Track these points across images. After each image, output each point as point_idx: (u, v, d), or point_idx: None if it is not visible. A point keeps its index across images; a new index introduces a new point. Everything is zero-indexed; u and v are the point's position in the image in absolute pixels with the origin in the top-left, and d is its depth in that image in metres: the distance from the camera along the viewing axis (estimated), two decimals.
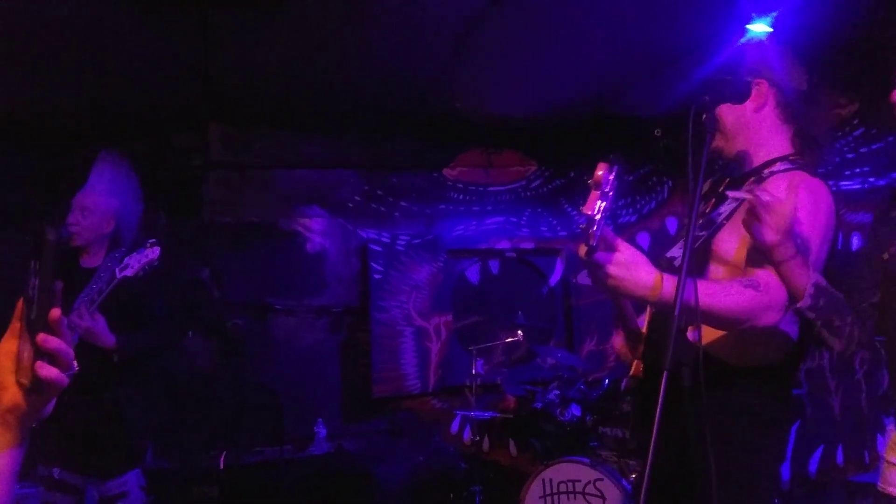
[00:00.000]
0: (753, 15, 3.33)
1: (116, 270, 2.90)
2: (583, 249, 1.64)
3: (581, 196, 1.80)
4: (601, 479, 3.73)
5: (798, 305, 1.72)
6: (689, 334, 1.67)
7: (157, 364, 3.38)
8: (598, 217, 1.60)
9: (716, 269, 1.94)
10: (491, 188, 5.86)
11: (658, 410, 1.51)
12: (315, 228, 5.38)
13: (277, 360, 5.14)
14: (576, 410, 4.29)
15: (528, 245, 5.91)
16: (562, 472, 3.85)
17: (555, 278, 5.99)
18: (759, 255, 1.78)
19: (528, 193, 5.96)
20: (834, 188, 2.07)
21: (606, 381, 4.41)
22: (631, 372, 2.23)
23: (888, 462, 1.86)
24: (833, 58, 3.46)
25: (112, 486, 3.02)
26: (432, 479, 5.09)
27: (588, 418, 4.23)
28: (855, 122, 3.89)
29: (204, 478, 4.28)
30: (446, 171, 5.75)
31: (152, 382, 3.28)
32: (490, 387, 5.19)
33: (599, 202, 1.62)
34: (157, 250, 2.94)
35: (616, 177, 1.67)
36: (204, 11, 3.46)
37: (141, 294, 3.10)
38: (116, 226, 3.20)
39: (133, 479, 3.07)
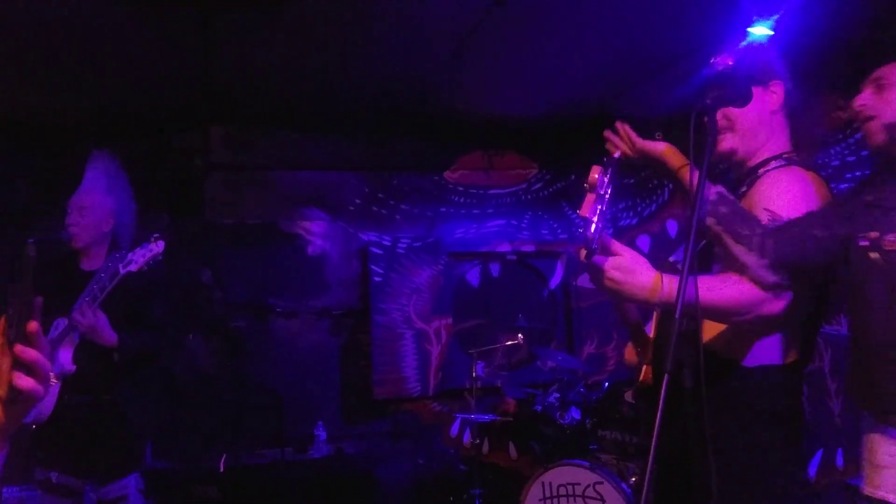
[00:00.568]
0: (755, 18, 3.33)
1: (120, 267, 2.88)
2: (582, 253, 1.65)
3: (581, 199, 1.80)
4: (601, 483, 3.72)
5: (700, 212, 1.69)
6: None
7: (157, 365, 3.37)
8: (594, 219, 1.62)
9: (717, 269, 1.94)
10: (492, 191, 5.86)
11: (659, 412, 1.51)
12: (316, 231, 5.38)
13: (278, 362, 5.13)
14: (576, 413, 4.29)
15: (529, 248, 5.91)
16: (561, 475, 3.84)
17: (555, 281, 5.99)
18: None
19: (529, 196, 5.96)
20: (835, 191, 2.07)
21: (606, 384, 4.41)
22: (640, 377, 2.22)
23: (871, 464, 1.83)
24: (833, 60, 3.46)
25: (111, 490, 3.01)
26: (432, 481, 5.08)
27: (588, 421, 4.22)
28: (855, 125, 3.88)
29: (204, 479, 4.27)
30: (447, 174, 5.76)
31: (152, 383, 3.28)
32: (490, 389, 5.18)
33: (596, 205, 1.64)
34: (161, 244, 2.92)
35: (611, 178, 1.68)
36: (205, 12, 3.46)
37: (142, 295, 3.09)
38: (115, 224, 3.20)
39: (132, 482, 3.06)
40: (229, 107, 4.86)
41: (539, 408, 4.51)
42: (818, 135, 2.05)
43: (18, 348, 1.03)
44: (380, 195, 5.57)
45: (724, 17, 3.33)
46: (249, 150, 5.23)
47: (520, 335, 4.77)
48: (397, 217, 5.61)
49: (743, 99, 1.93)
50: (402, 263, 5.51)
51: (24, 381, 1.03)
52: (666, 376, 1.54)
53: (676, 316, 1.60)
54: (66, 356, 2.96)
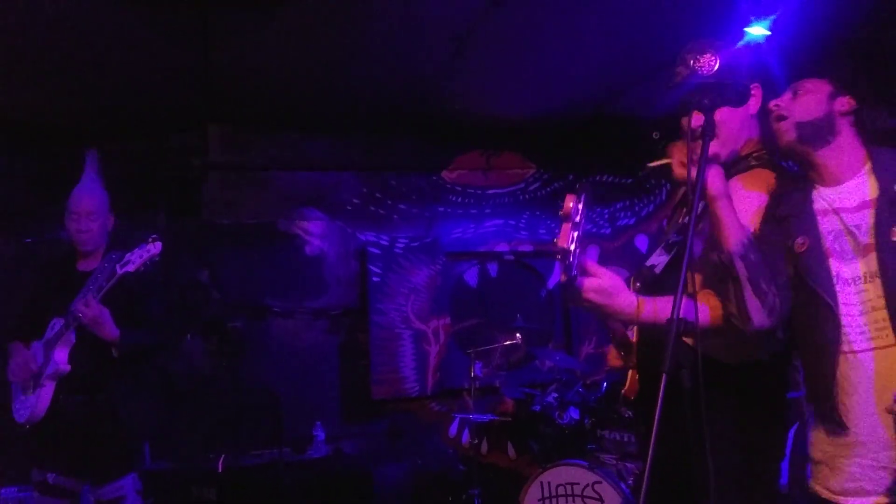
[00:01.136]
0: (752, 18, 3.34)
1: (117, 267, 2.89)
2: (563, 277, 1.73)
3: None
4: (599, 482, 3.72)
5: (730, 249, 1.75)
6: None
7: (154, 365, 3.37)
8: (572, 247, 1.69)
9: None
10: (490, 191, 5.86)
11: (657, 412, 1.52)
12: (314, 231, 5.38)
13: (276, 362, 5.13)
14: (574, 413, 4.29)
15: (527, 248, 5.90)
16: (560, 474, 3.84)
17: (553, 281, 5.99)
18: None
19: (527, 196, 5.96)
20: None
21: (605, 383, 4.41)
22: (626, 386, 2.23)
23: (813, 460, 1.91)
24: (830, 60, 3.47)
25: (108, 491, 3.01)
26: (431, 481, 5.08)
27: (586, 421, 4.23)
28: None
29: (202, 480, 4.26)
30: (445, 174, 5.75)
31: (149, 383, 3.28)
32: (488, 389, 5.19)
33: (572, 233, 1.70)
34: (158, 245, 2.93)
35: (585, 204, 1.75)
36: (204, 11, 3.46)
37: (139, 294, 3.09)
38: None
39: (129, 483, 3.05)
40: (227, 107, 4.85)
41: (538, 408, 4.52)
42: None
43: None
44: (377, 195, 5.57)
45: (721, 18, 3.33)
46: (247, 150, 5.22)
47: (518, 335, 4.78)
48: (395, 217, 5.61)
49: (740, 99, 1.93)
50: (399, 263, 5.51)
51: None
52: (664, 377, 1.55)
53: (675, 319, 1.61)
54: (61, 356, 2.96)
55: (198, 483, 4.25)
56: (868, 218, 1.79)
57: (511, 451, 5.54)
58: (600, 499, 3.71)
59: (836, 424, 1.80)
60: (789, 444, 3.97)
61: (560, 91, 4.80)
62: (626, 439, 4.02)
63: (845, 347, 1.79)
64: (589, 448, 4.13)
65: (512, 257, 5.91)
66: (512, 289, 5.90)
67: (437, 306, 5.59)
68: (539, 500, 3.87)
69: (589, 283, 1.78)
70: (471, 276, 5.87)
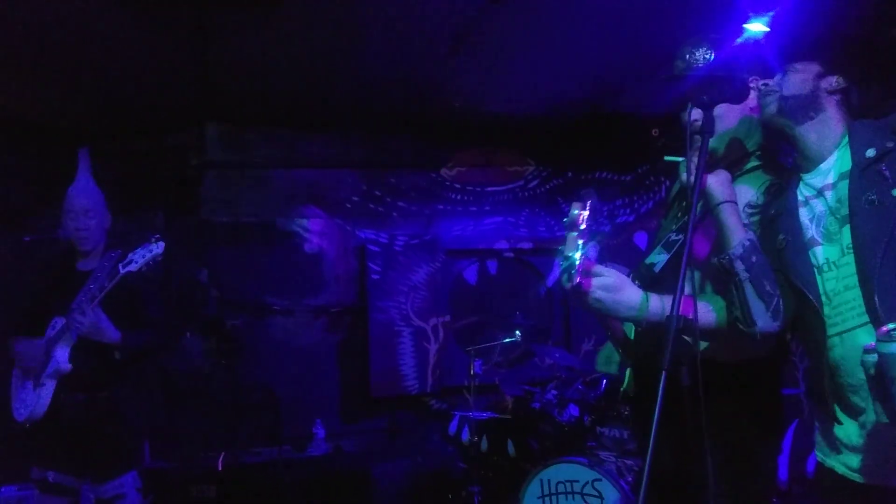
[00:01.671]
0: (751, 14, 3.33)
1: (119, 266, 2.88)
2: (569, 286, 1.75)
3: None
4: (599, 480, 3.73)
5: (731, 252, 1.76)
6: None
7: (154, 364, 3.37)
8: (578, 255, 1.73)
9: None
10: (489, 188, 5.85)
11: (657, 410, 1.52)
12: (313, 229, 5.38)
13: (276, 361, 5.13)
14: (574, 411, 4.29)
15: (526, 245, 5.90)
16: (560, 472, 3.84)
17: (553, 278, 5.99)
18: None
19: (526, 193, 5.96)
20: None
21: (604, 381, 4.40)
22: (624, 385, 2.23)
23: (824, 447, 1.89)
24: (830, 56, 3.46)
25: (108, 489, 3.01)
26: (430, 479, 5.08)
27: (586, 418, 4.22)
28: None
29: (202, 478, 4.27)
30: (444, 171, 5.75)
31: (149, 382, 3.28)
32: (488, 387, 5.18)
33: (578, 241, 1.74)
34: (162, 245, 2.93)
35: (590, 211, 1.77)
36: (201, 10, 3.45)
37: (139, 294, 3.09)
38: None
39: (130, 480, 3.06)
40: (225, 105, 4.85)
41: (537, 405, 4.51)
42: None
43: None
44: (377, 193, 5.57)
45: (720, 15, 3.32)
46: (245, 149, 5.22)
47: (517, 332, 4.77)
48: (394, 214, 5.60)
49: (739, 96, 1.93)
50: (399, 261, 5.51)
51: None
52: (664, 374, 1.55)
53: (673, 314, 1.61)
54: (62, 355, 2.96)
55: (198, 481, 4.25)
56: (846, 189, 1.79)
57: (511, 449, 5.54)
58: (600, 496, 3.71)
59: (832, 414, 1.79)
60: (788, 441, 3.99)
61: (559, 88, 4.80)
62: (625, 436, 4.02)
63: (830, 331, 1.77)
64: (588, 445, 4.13)
65: (511, 255, 5.91)
66: (511, 286, 5.91)
67: (437, 304, 5.59)
68: (539, 498, 3.88)
69: (595, 282, 1.79)
70: (470, 273, 5.87)
